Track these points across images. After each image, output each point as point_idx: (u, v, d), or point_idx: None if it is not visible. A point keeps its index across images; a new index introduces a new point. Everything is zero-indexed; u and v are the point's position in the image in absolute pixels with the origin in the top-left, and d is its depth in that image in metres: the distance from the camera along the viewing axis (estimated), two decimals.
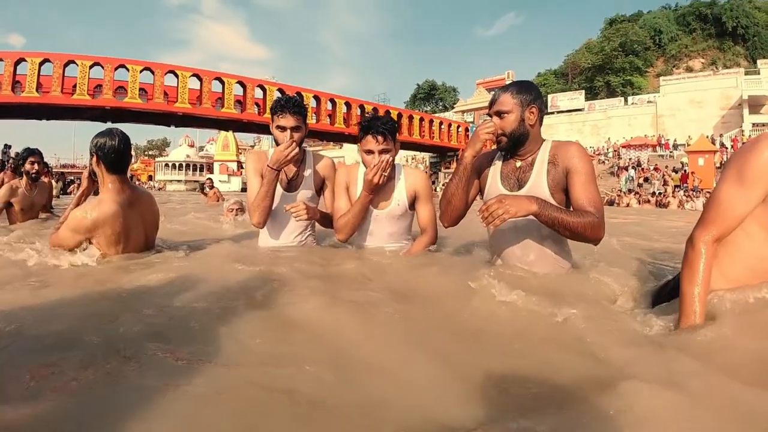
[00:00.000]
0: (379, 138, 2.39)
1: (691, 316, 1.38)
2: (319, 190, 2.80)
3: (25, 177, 4.72)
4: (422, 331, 1.43)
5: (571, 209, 1.89)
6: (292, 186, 2.70)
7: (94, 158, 2.38)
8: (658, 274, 2.17)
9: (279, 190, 2.62)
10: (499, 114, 2.03)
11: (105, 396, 0.97)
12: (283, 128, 2.51)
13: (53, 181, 9.14)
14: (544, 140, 2.11)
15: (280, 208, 2.59)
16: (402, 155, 45.99)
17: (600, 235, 1.86)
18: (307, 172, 2.73)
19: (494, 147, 2.14)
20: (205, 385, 1.03)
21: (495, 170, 2.15)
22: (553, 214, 1.80)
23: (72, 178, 27.78)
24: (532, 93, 2.04)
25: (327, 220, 2.69)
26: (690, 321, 1.37)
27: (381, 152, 2.40)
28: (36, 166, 4.69)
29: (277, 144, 2.55)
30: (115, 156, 2.36)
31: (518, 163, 2.08)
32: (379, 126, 2.39)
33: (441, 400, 0.97)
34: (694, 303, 1.38)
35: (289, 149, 2.45)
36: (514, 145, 2.05)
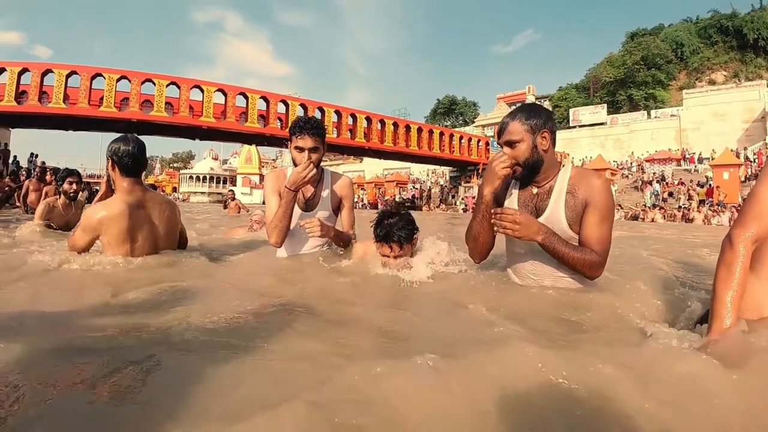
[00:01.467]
0: (394, 247, 2.33)
1: (723, 320, 1.31)
2: (337, 209, 2.81)
3: (62, 196, 4.84)
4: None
5: (577, 243, 1.91)
6: (309, 206, 2.71)
7: (110, 162, 2.49)
8: (687, 292, 2.11)
9: (296, 210, 2.63)
10: (510, 144, 1.95)
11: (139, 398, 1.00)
12: (301, 149, 2.52)
13: None
14: (563, 165, 2.04)
15: (298, 228, 2.59)
16: (422, 169, 46.01)
17: (597, 274, 1.91)
18: (325, 193, 2.74)
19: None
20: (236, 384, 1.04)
21: (512, 199, 2.11)
22: (557, 247, 1.85)
23: (98, 188, 28.44)
24: (541, 116, 1.95)
25: (341, 239, 2.69)
26: (722, 326, 1.31)
27: (396, 257, 2.36)
28: (74, 186, 4.82)
29: (295, 164, 2.56)
30: (129, 160, 2.47)
31: (535, 190, 2.03)
32: (394, 234, 2.30)
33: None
34: (727, 306, 1.31)
35: (306, 171, 2.47)
36: (530, 173, 1.99)
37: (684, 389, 1.05)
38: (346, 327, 1.50)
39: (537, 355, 1.18)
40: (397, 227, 2.30)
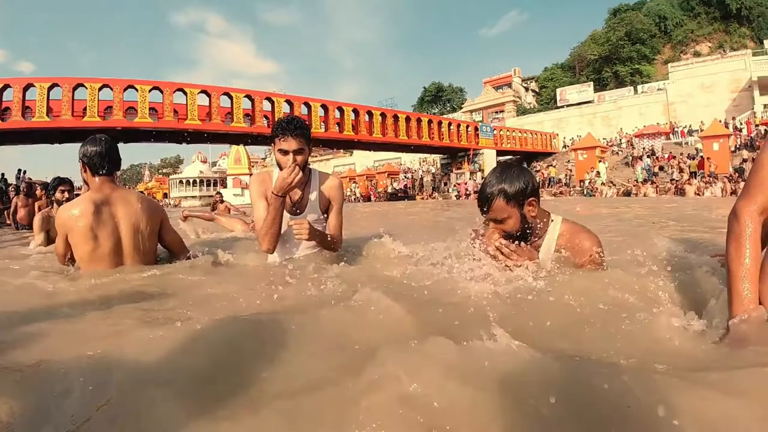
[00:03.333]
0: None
1: (742, 299, 1.23)
2: (326, 211, 2.68)
3: (56, 206, 4.80)
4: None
5: None
6: (298, 209, 2.60)
7: (81, 165, 2.49)
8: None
9: (285, 213, 2.52)
10: (497, 221, 1.88)
11: None
12: (285, 152, 2.40)
13: None
14: (552, 220, 1.95)
15: (289, 231, 2.47)
16: (413, 158, 45.92)
17: None
18: (313, 195, 2.61)
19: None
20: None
21: None
22: None
23: None
24: (521, 182, 1.84)
25: (327, 242, 2.55)
26: (742, 305, 1.23)
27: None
28: (66, 194, 4.75)
29: (280, 167, 2.44)
30: (98, 159, 2.46)
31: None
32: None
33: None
34: (744, 282, 1.24)
35: (292, 175, 2.35)
36: (520, 237, 1.92)
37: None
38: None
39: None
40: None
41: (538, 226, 1.92)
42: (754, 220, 1.30)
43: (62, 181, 4.84)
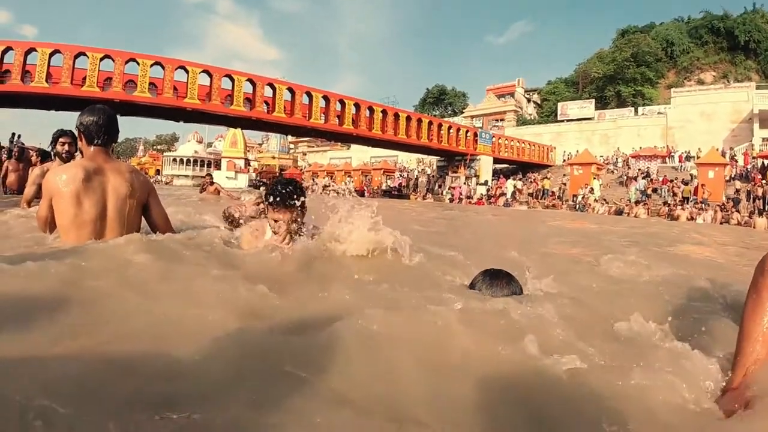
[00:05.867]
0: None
1: (748, 362, 1.07)
2: None
3: (57, 159, 4.63)
4: None
5: None
6: None
7: (77, 133, 2.50)
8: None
9: None
10: None
11: None
12: (278, 221, 2.42)
13: None
14: None
15: None
16: (409, 158, 45.85)
17: None
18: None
19: None
20: None
21: None
22: None
23: None
24: (509, 291, 1.75)
25: None
26: (743, 372, 1.07)
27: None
28: (67, 147, 4.54)
29: (273, 231, 2.47)
30: (94, 129, 2.47)
31: None
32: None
33: None
34: (756, 344, 1.07)
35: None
36: None
37: None
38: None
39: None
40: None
41: None
42: None
43: (63, 133, 4.66)
